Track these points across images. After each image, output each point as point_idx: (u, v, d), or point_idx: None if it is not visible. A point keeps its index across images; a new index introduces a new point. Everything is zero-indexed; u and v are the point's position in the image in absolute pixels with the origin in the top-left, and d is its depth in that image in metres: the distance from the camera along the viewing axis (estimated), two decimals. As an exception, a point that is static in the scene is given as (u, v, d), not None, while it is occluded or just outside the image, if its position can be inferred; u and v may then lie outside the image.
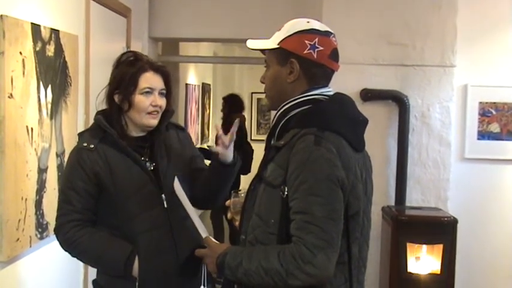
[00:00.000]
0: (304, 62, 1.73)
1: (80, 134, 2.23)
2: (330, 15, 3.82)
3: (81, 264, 3.18)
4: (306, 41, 1.72)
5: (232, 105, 5.96)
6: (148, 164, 2.15)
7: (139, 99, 2.12)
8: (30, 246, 2.59)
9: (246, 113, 10.03)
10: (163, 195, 2.13)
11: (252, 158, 5.79)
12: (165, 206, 2.12)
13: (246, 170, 5.68)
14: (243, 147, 5.67)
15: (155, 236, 2.11)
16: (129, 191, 2.10)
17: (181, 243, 2.13)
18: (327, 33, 1.75)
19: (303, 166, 1.60)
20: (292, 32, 1.74)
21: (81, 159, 2.10)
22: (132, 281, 2.08)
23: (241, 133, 5.75)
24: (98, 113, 2.20)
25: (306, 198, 1.59)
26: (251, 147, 5.89)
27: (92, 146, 2.11)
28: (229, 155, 2.16)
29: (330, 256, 1.57)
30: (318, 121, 1.67)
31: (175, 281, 2.14)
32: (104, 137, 2.13)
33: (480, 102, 4.09)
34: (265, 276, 1.60)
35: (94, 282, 2.22)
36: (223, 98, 6.34)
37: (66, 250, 2.15)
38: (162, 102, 2.16)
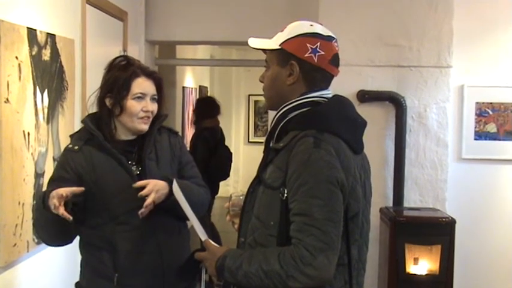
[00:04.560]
0: (304, 65, 1.73)
1: (71, 136, 2.28)
2: (327, 17, 3.82)
3: (78, 269, 3.17)
4: (308, 45, 1.72)
5: (204, 109, 5.42)
6: (134, 167, 2.18)
7: (131, 104, 2.16)
8: (28, 251, 2.59)
9: (243, 115, 10.09)
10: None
11: (231, 162, 5.44)
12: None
13: (224, 175, 5.35)
14: (217, 153, 5.28)
15: (136, 236, 2.15)
16: (111, 192, 2.13)
17: (165, 245, 2.18)
18: (329, 38, 1.75)
19: (303, 168, 1.60)
20: (294, 34, 1.74)
21: (65, 161, 2.17)
22: (111, 280, 2.12)
23: (215, 138, 5.34)
24: (88, 115, 2.24)
25: (305, 200, 1.59)
26: (229, 150, 5.50)
27: (77, 147, 2.16)
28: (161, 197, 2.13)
29: (330, 258, 1.57)
30: (317, 123, 1.68)
31: (160, 281, 2.17)
32: (91, 139, 2.17)
33: (477, 103, 4.09)
34: (265, 279, 1.60)
35: (76, 284, 2.27)
36: (197, 100, 5.99)
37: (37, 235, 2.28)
38: (153, 107, 2.20)
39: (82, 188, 2.01)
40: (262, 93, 1.84)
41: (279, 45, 1.75)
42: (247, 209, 1.78)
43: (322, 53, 1.72)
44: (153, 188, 2.09)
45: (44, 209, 2.01)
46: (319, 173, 1.59)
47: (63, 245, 2.27)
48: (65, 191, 1.95)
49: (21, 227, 2.51)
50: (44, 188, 2.66)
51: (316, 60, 1.72)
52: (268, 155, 1.75)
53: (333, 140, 1.64)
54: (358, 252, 1.74)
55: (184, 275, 2.16)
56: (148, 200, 2.08)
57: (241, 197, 1.91)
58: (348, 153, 1.66)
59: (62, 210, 1.93)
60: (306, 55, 1.72)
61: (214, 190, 5.27)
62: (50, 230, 2.12)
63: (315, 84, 1.75)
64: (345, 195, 1.63)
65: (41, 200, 2.05)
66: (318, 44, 1.72)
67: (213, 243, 1.82)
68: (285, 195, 1.63)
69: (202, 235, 1.85)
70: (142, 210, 2.08)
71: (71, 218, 1.95)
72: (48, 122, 2.77)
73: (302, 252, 1.56)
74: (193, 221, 1.92)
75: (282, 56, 1.75)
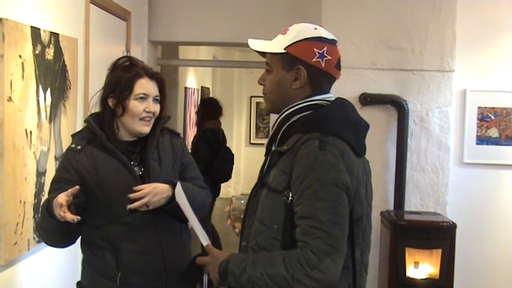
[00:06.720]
0: (312, 70, 1.72)
1: (73, 136, 2.27)
2: (329, 20, 3.82)
3: (78, 267, 3.17)
4: (315, 49, 1.71)
5: (207, 110, 5.46)
6: (136, 168, 2.18)
7: (133, 104, 2.16)
8: (28, 250, 2.59)
9: (244, 117, 10.10)
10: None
11: (232, 164, 5.47)
12: (149, 208, 2.14)
13: (226, 177, 5.39)
14: (219, 154, 5.31)
15: (139, 237, 2.15)
16: (114, 193, 2.13)
17: (167, 246, 2.17)
18: (333, 42, 1.75)
19: (308, 171, 1.60)
20: (300, 38, 1.72)
21: (67, 162, 2.16)
22: (114, 279, 2.12)
23: (217, 140, 5.37)
24: (91, 115, 2.24)
25: (311, 203, 1.58)
26: (230, 152, 5.53)
27: (79, 147, 2.16)
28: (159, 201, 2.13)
29: (336, 261, 1.56)
30: (321, 126, 1.67)
31: (162, 281, 2.17)
32: (93, 138, 2.17)
33: (479, 107, 4.09)
34: (271, 283, 1.59)
35: (78, 284, 2.27)
36: (202, 101, 6.05)
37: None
38: (155, 108, 2.20)
39: (77, 187, 1.98)
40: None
41: (284, 49, 1.73)
42: (249, 213, 1.77)
43: (329, 57, 1.72)
44: (151, 191, 2.10)
45: (49, 217, 2.00)
46: (325, 175, 1.59)
47: (65, 247, 2.27)
48: (63, 199, 1.93)
49: (22, 226, 2.51)
50: (46, 188, 2.67)
51: (323, 65, 1.71)
52: (272, 159, 1.74)
53: (337, 143, 1.64)
54: (361, 255, 1.73)
55: (186, 280, 2.16)
56: (136, 204, 2.08)
57: (242, 201, 1.90)
58: (351, 156, 1.66)
59: (69, 216, 1.92)
60: (314, 60, 1.71)
61: (215, 191, 5.28)
62: (54, 234, 2.12)
63: (320, 88, 1.75)
64: (350, 198, 1.62)
65: (45, 208, 2.04)
66: (325, 48, 1.71)
67: (214, 248, 1.81)
68: (290, 198, 1.62)
69: (204, 240, 1.83)
70: (130, 206, 2.09)
71: (79, 217, 1.94)
72: (50, 121, 2.77)
73: (308, 255, 1.55)
74: (195, 225, 1.90)
75: (287, 60, 1.73)
